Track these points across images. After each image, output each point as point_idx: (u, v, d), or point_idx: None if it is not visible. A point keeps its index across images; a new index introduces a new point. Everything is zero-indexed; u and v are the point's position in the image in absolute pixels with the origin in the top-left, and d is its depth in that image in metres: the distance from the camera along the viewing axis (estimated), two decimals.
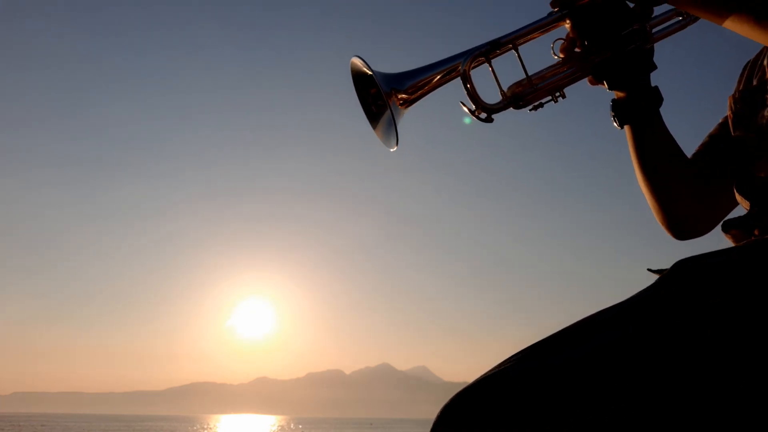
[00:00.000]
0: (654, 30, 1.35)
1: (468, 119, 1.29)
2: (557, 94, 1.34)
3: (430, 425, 0.91)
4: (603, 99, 1.42)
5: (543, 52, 1.36)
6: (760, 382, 0.85)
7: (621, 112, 1.39)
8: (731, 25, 1.12)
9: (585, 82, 1.37)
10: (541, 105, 1.33)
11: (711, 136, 1.44)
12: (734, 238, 1.24)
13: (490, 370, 0.94)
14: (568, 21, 1.32)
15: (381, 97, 1.27)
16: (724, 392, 0.85)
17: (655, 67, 1.35)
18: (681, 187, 1.41)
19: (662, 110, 1.40)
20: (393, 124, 1.27)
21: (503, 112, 1.31)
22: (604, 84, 1.35)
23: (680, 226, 1.45)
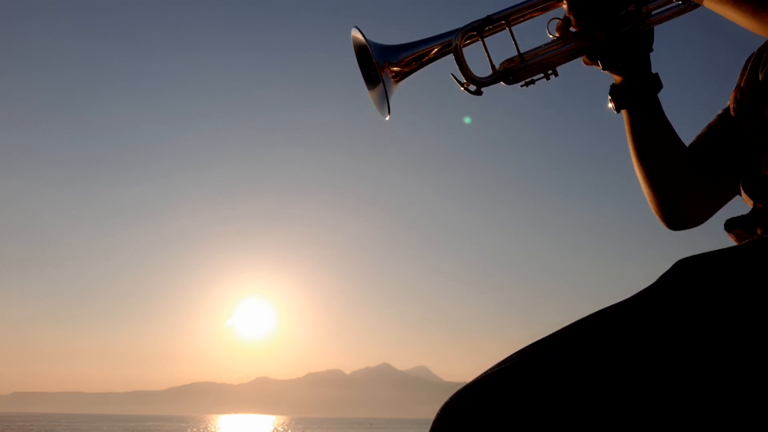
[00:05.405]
0: (653, 13, 1.34)
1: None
2: (549, 71, 1.33)
3: (430, 425, 0.91)
4: (606, 101, 1.39)
5: (540, 33, 1.35)
6: (759, 382, 0.84)
7: (618, 96, 1.37)
8: (710, 4, 1.13)
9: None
10: (533, 81, 1.33)
11: (710, 128, 1.41)
12: (737, 237, 1.21)
13: (489, 370, 0.93)
14: (564, 0, 1.31)
15: (376, 68, 1.30)
16: (722, 391, 0.84)
17: (650, 50, 1.33)
18: (677, 177, 1.39)
19: (663, 101, 1.38)
20: (385, 96, 1.30)
21: (494, 86, 1.32)
22: (598, 64, 1.34)
23: (674, 216, 1.43)
